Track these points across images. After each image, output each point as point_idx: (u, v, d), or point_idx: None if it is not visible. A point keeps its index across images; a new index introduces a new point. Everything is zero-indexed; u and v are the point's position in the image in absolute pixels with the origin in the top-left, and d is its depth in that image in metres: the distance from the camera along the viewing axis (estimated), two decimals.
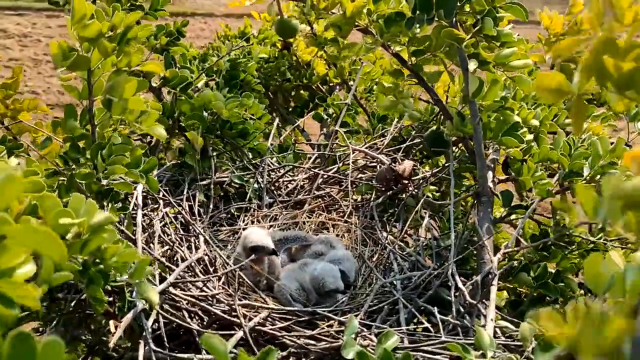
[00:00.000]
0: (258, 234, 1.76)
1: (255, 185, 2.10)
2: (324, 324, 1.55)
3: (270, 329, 1.48)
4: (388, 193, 2.05)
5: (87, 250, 1.16)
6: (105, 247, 1.20)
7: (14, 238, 0.52)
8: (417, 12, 1.52)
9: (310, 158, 2.31)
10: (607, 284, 0.69)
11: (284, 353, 1.44)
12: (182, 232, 1.82)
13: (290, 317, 1.56)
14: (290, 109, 2.74)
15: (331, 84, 2.68)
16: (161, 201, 1.88)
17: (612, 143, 1.60)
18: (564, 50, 0.75)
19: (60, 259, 0.56)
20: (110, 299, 1.39)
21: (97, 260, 1.22)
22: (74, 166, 1.51)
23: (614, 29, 0.65)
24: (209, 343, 0.76)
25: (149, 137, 2.18)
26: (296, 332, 1.50)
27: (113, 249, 1.23)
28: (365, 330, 1.50)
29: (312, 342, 1.46)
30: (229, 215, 2.05)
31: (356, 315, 1.51)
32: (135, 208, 1.70)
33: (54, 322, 1.50)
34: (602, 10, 0.68)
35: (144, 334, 1.36)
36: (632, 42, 0.66)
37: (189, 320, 1.48)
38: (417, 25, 1.53)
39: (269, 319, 1.53)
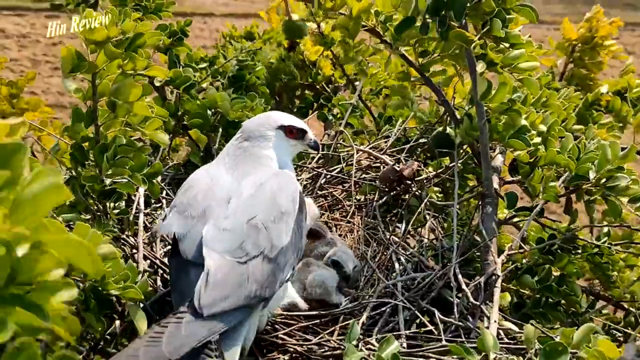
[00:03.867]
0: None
1: None
2: (326, 329, 1.54)
3: (271, 336, 1.48)
4: (391, 193, 2.05)
5: (88, 278, 1.17)
6: (107, 281, 1.21)
7: (53, 247, 0.51)
8: (427, 15, 1.51)
9: (314, 158, 2.31)
10: None
11: (286, 357, 1.44)
12: None
13: (293, 322, 1.55)
14: (295, 109, 2.74)
15: (336, 84, 2.68)
16: (164, 200, 1.87)
17: (623, 149, 1.60)
18: None
19: (94, 271, 0.54)
20: (114, 298, 1.39)
21: (99, 288, 1.23)
22: (79, 169, 1.51)
23: None
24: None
25: None
26: (299, 338, 1.50)
27: (114, 287, 1.24)
28: (366, 335, 1.50)
29: (315, 348, 1.45)
30: None
31: (358, 320, 1.50)
32: (138, 212, 1.69)
33: None
34: None
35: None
36: None
37: None
38: (429, 30, 1.52)
39: (269, 324, 1.52)
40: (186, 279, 1.26)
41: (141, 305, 1.35)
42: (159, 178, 1.63)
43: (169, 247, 1.70)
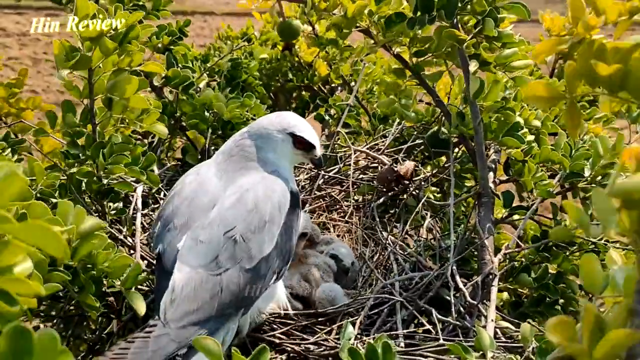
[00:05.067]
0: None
1: None
2: (323, 328, 1.55)
3: (268, 335, 1.48)
4: (389, 194, 2.05)
5: (77, 257, 1.17)
6: (96, 253, 1.20)
7: (15, 236, 0.52)
8: (418, 12, 1.52)
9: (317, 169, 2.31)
10: (602, 284, 0.69)
11: (284, 357, 1.44)
12: None
13: (290, 321, 1.55)
14: (292, 110, 2.74)
15: (333, 85, 2.68)
16: (162, 201, 1.87)
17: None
18: (544, 51, 0.75)
19: (62, 255, 0.56)
20: (112, 298, 1.39)
21: (89, 266, 1.23)
22: (75, 163, 1.51)
23: (591, 26, 0.65)
24: (203, 344, 0.76)
25: (150, 137, 2.18)
26: (295, 337, 1.50)
27: (104, 255, 1.23)
28: (364, 334, 1.50)
29: (312, 347, 1.46)
30: None
31: (354, 321, 1.50)
32: (135, 212, 1.70)
33: (55, 321, 1.51)
34: (583, 7, 0.68)
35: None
36: (617, 44, 0.66)
37: None
38: (419, 26, 1.53)
39: (266, 323, 1.52)
40: (164, 289, 1.25)
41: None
42: (156, 170, 1.63)
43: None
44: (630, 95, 0.65)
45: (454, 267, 1.58)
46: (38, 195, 1.45)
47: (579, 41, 0.68)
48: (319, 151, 1.56)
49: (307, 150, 1.54)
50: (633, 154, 0.56)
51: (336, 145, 2.32)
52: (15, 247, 0.54)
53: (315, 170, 2.20)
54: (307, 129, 1.54)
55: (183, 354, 1.15)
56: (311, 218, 2.07)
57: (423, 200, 1.93)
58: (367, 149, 2.24)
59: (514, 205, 1.79)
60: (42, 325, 1.58)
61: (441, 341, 1.40)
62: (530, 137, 1.72)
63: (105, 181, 1.54)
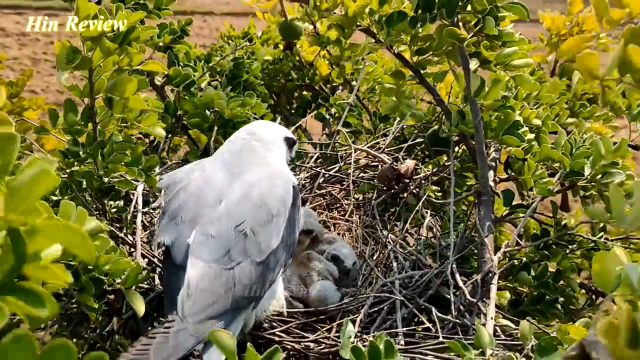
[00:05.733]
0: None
1: None
2: (323, 326, 1.55)
3: (268, 333, 1.49)
4: (389, 192, 2.05)
5: (78, 258, 1.17)
6: (97, 255, 1.21)
7: (45, 231, 0.52)
8: (420, 11, 1.52)
9: (312, 157, 2.31)
10: (615, 281, 0.68)
11: (284, 355, 1.45)
12: None
13: (290, 319, 1.56)
14: (293, 109, 2.75)
15: (334, 84, 2.68)
16: (162, 197, 1.87)
17: (614, 143, 1.61)
18: (568, 50, 0.75)
19: (89, 258, 0.55)
20: (112, 296, 1.40)
21: (89, 267, 1.23)
22: (75, 162, 1.51)
23: (616, 20, 0.64)
24: (217, 337, 0.76)
25: (151, 136, 2.18)
26: (295, 335, 1.50)
27: (105, 257, 1.23)
28: (364, 332, 1.51)
29: (312, 345, 1.46)
30: None
31: (354, 320, 1.51)
32: (136, 210, 1.70)
33: (56, 319, 1.51)
34: (606, 4, 0.67)
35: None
36: None
37: None
38: (420, 25, 1.53)
39: (266, 321, 1.53)
40: (176, 285, 1.25)
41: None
42: (157, 170, 1.63)
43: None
44: None
45: (454, 266, 1.59)
46: None
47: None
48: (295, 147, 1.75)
49: (291, 148, 1.70)
50: None
51: (337, 144, 2.32)
52: (44, 238, 0.53)
53: (316, 169, 2.21)
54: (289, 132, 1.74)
55: (200, 349, 1.17)
56: None
57: (423, 199, 1.93)
58: (368, 147, 2.24)
59: (514, 203, 1.79)
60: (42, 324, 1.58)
61: (441, 339, 1.41)
62: (531, 136, 1.72)
63: (105, 179, 1.54)
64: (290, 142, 1.68)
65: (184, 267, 1.27)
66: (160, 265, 1.62)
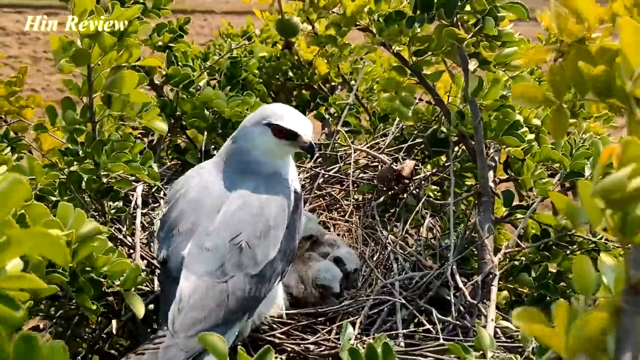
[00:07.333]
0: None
1: None
2: (324, 328, 1.54)
3: (268, 335, 1.48)
4: (389, 193, 2.05)
5: (76, 259, 1.16)
6: (96, 257, 1.20)
7: (17, 241, 0.52)
8: (418, 11, 1.52)
9: (311, 158, 2.30)
10: (594, 285, 0.69)
11: (283, 357, 1.44)
12: None
13: (290, 321, 1.55)
14: None
15: (333, 83, 2.67)
16: (162, 200, 1.87)
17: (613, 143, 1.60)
18: (534, 59, 0.75)
19: (64, 262, 0.55)
20: (111, 298, 1.39)
21: (87, 269, 1.22)
22: (74, 161, 1.51)
23: (575, 33, 0.65)
24: (209, 340, 0.76)
25: (150, 135, 2.18)
26: (295, 337, 1.50)
27: (104, 259, 1.23)
28: (364, 334, 1.50)
29: (312, 347, 1.46)
30: None
31: (354, 321, 1.50)
32: (135, 211, 1.69)
33: (54, 320, 1.51)
34: (565, 16, 0.67)
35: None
36: (605, 44, 0.66)
37: None
38: (418, 25, 1.53)
39: (266, 323, 1.52)
40: (171, 299, 1.23)
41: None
42: (155, 168, 1.62)
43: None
44: (617, 99, 0.65)
45: (454, 267, 1.58)
46: (37, 194, 1.45)
47: (569, 45, 0.68)
48: (305, 137, 1.43)
49: (293, 139, 1.43)
50: (613, 153, 0.55)
51: (336, 144, 2.32)
52: (15, 249, 0.53)
53: (315, 169, 2.20)
54: (286, 115, 1.44)
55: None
56: None
57: (423, 200, 1.93)
58: (367, 147, 2.24)
59: (514, 204, 1.78)
60: (41, 325, 1.58)
61: (441, 341, 1.40)
62: (531, 136, 1.72)
63: (104, 180, 1.53)
64: (277, 129, 1.42)
65: (179, 280, 1.24)
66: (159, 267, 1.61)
